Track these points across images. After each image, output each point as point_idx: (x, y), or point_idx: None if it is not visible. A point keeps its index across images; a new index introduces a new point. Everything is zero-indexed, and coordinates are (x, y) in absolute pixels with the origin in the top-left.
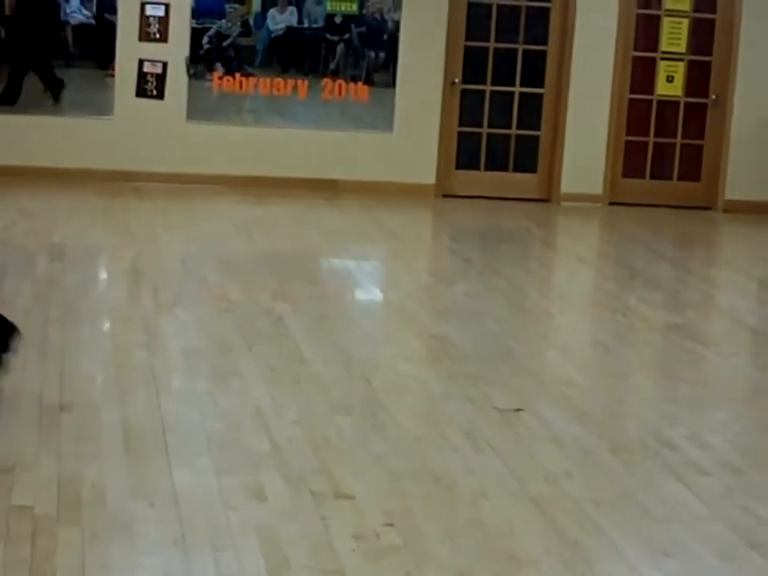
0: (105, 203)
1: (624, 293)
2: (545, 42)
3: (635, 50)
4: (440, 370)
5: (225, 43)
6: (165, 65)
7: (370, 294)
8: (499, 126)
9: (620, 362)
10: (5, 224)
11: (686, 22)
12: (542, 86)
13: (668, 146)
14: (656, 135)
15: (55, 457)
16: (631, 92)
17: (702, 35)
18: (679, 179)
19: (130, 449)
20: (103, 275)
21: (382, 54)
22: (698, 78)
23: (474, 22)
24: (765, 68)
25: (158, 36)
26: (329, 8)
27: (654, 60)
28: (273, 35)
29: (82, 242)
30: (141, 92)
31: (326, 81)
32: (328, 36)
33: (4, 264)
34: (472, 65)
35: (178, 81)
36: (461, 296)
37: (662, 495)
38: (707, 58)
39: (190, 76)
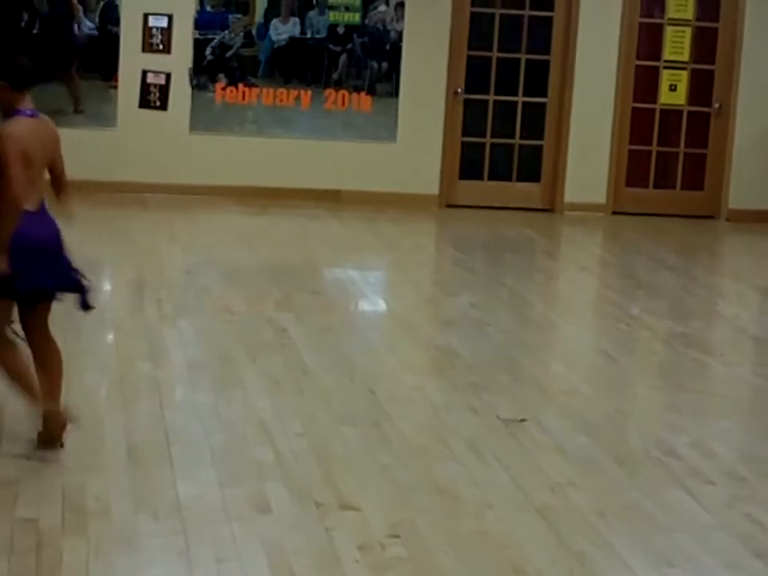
0: (108, 214)
1: (628, 302)
2: (548, 52)
3: (638, 58)
4: (444, 381)
5: (228, 54)
6: (168, 76)
7: (373, 304)
8: (502, 136)
9: (624, 371)
10: None
11: (688, 30)
12: (545, 95)
13: (671, 155)
14: (659, 144)
15: (59, 469)
16: (634, 101)
17: (705, 44)
18: (683, 188)
19: (134, 461)
20: (106, 286)
21: (384, 64)
22: (701, 86)
23: (477, 31)
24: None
25: (161, 47)
26: (331, 18)
27: (657, 69)
28: (276, 46)
29: (85, 253)
30: (144, 103)
31: (329, 91)
32: (331, 46)
33: None
34: (475, 74)
35: (181, 92)
36: (465, 306)
37: (667, 504)
38: (710, 67)
39: (193, 87)
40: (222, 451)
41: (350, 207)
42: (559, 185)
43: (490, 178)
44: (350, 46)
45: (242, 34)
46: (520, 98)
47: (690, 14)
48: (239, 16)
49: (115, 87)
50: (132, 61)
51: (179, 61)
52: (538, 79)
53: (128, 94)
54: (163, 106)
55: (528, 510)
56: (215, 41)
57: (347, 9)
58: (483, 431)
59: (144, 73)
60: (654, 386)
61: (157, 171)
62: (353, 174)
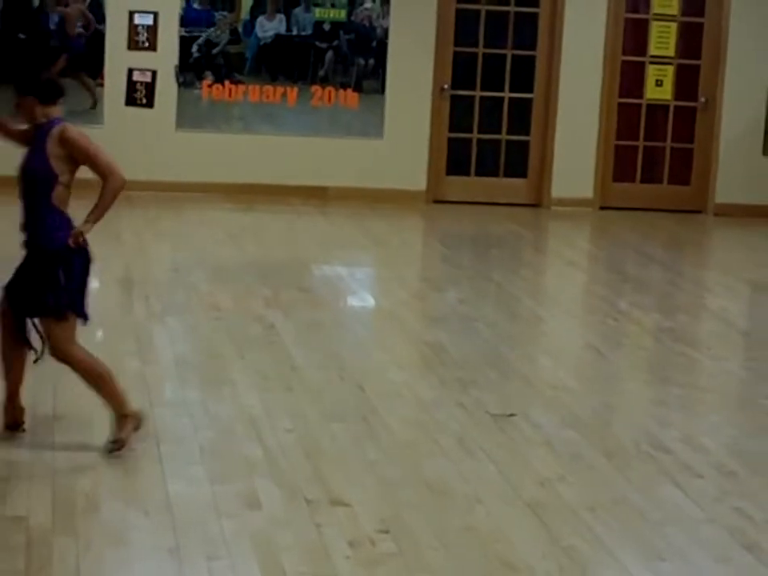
0: None
1: (615, 297)
2: (533, 47)
3: (624, 54)
4: (432, 376)
5: (214, 51)
6: (154, 73)
7: (361, 300)
8: (489, 132)
9: (612, 365)
10: None
11: (674, 25)
12: (531, 90)
13: (658, 149)
14: (646, 139)
15: (49, 467)
16: (620, 96)
17: (691, 39)
18: (669, 183)
19: (123, 458)
20: (94, 284)
21: (371, 61)
22: (687, 81)
23: (463, 27)
24: (753, 71)
25: (146, 45)
26: (317, 15)
27: (642, 64)
28: (262, 43)
29: None
30: (130, 101)
31: (316, 88)
32: (317, 43)
33: None
34: (461, 70)
35: (167, 89)
36: (453, 302)
37: (656, 498)
38: (696, 62)
39: (179, 84)
40: (212, 448)
41: (338, 204)
42: (546, 180)
43: (477, 174)
44: (336, 42)
45: (228, 31)
46: (506, 94)
47: (675, 9)
48: (225, 13)
49: (101, 85)
50: (118, 59)
51: (165, 58)
52: (524, 75)
53: (114, 92)
54: (150, 104)
55: (517, 505)
56: (201, 38)
57: (333, 5)
58: (472, 426)
59: (130, 71)
60: (642, 380)
61: (144, 169)
62: (340, 171)
